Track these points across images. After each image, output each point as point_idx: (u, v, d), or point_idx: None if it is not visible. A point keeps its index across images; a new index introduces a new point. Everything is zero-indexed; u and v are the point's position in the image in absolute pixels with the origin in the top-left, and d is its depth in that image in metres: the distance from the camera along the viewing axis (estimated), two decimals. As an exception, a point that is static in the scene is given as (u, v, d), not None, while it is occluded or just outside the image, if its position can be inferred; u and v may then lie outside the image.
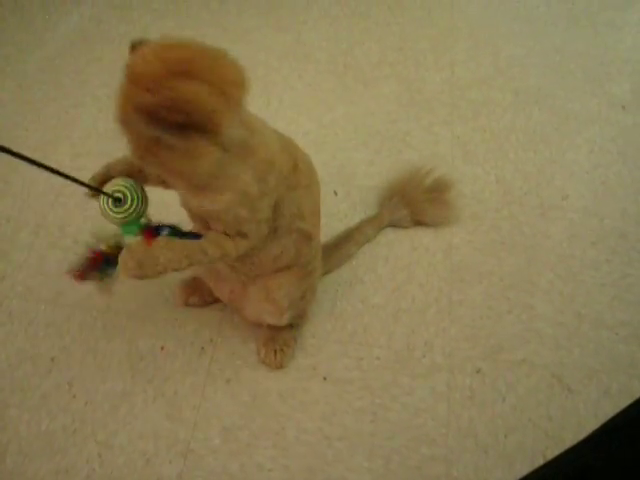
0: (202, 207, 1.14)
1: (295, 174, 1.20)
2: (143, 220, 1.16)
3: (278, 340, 1.54)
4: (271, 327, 1.52)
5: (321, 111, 2.12)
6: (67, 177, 1.02)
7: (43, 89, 2.21)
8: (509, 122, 2.10)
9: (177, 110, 0.88)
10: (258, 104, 2.12)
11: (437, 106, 2.14)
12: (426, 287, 1.68)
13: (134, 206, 1.12)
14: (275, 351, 1.53)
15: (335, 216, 1.81)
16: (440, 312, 1.63)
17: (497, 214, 1.83)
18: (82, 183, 1.08)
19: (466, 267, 1.72)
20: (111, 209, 1.12)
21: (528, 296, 1.67)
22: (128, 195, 1.12)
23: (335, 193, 1.87)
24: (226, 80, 0.95)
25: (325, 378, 1.52)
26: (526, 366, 1.55)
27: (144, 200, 1.15)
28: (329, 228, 1.76)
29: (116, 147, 1.06)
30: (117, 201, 1.12)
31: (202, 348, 1.57)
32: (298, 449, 1.42)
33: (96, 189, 1.12)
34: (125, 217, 1.12)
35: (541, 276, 1.71)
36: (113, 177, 1.19)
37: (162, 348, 1.57)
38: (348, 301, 1.64)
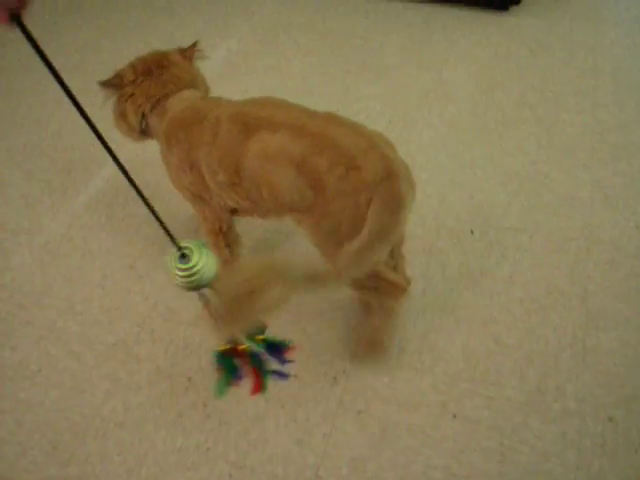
0: None
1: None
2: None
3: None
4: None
5: (460, 150, 2.16)
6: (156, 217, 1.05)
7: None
8: (650, 167, 2.07)
9: None
10: (399, 141, 2.17)
11: (577, 149, 2.14)
12: (560, 331, 1.68)
13: (199, 266, 1.07)
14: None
15: (471, 255, 1.84)
16: (574, 357, 1.62)
17: (636, 261, 1.81)
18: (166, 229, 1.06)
19: (602, 313, 1.71)
20: (175, 264, 1.07)
21: (666, 346, 1.64)
22: (195, 252, 1.08)
23: (472, 232, 1.89)
24: None
25: (455, 416, 1.55)
26: (661, 417, 1.51)
27: (210, 263, 1.09)
28: (464, 267, 1.81)
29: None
30: (183, 257, 1.07)
31: (334, 378, 1.63)
32: (426, 484, 1.43)
33: (170, 236, 1.08)
34: (187, 275, 1.07)
35: (680, 327, 1.68)
36: None
37: (295, 376, 1.63)
38: (481, 340, 1.67)
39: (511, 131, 2.23)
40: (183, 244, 1.08)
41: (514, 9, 2.80)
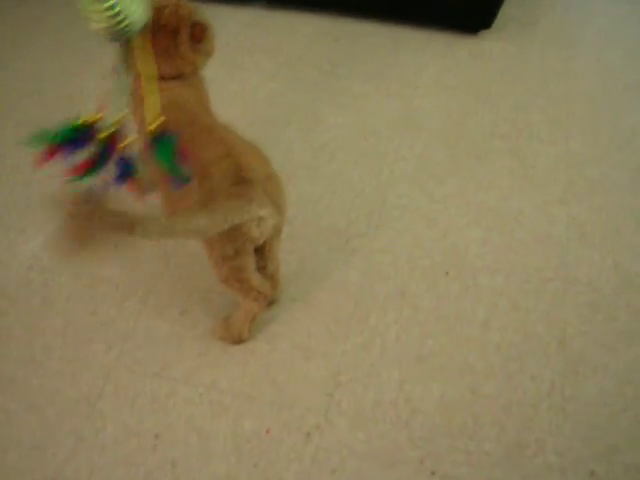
0: None
1: None
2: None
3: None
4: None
5: (432, 185, 2.11)
6: None
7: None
8: (627, 202, 2.05)
9: None
10: (369, 174, 2.13)
11: (552, 183, 2.11)
12: (538, 379, 1.64)
13: (119, 6, 0.91)
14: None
15: (446, 298, 1.80)
16: (553, 407, 1.59)
17: (614, 303, 1.78)
18: None
19: (580, 359, 1.67)
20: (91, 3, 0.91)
21: (646, 393, 1.61)
22: None
23: (446, 273, 1.85)
24: None
25: (433, 473, 1.50)
26: (644, 471, 1.47)
27: (134, 4, 0.94)
28: (439, 311, 1.78)
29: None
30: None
31: (308, 434, 1.57)
32: None
33: None
34: (108, 16, 0.91)
35: (661, 372, 1.65)
36: None
37: (267, 431, 1.57)
38: (458, 390, 1.62)
39: (484, 164, 2.19)
40: None
41: (484, 33, 2.77)
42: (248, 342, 1.70)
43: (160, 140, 1.20)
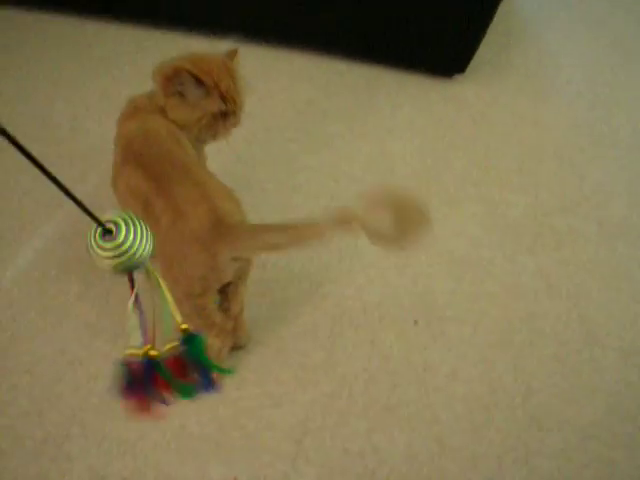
0: None
1: None
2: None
3: None
4: None
5: (404, 231, 2.12)
6: (63, 190, 0.78)
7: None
8: (593, 255, 2.09)
9: None
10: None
11: (521, 232, 2.14)
12: (503, 432, 1.66)
13: (129, 242, 0.86)
14: None
15: (415, 347, 1.81)
16: (517, 462, 1.61)
17: (578, 356, 1.81)
18: (75, 200, 0.81)
19: (545, 413, 1.70)
20: (97, 242, 0.86)
21: (608, 449, 1.65)
22: (122, 226, 0.87)
23: (415, 322, 1.87)
24: None
25: (400, 527, 1.50)
26: (605, 530, 1.49)
27: (144, 239, 0.88)
28: (408, 360, 1.80)
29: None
30: (108, 233, 0.86)
31: (276, 483, 1.55)
32: None
33: (86, 210, 0.84)
34: (115, 256, 0.86)
35: (622, 427, 1.68)
36: None
37: (234, 479, 1.57)
38: (425, 441, 1.64)
39: (455, 211, 2.22)
40: (106, 217, 0.86)
41: (458, 77, 2.81)
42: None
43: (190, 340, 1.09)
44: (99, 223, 0.85)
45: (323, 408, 1.69)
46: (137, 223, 0.87)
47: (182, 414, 1.66)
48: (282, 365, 1.77)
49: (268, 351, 1.79)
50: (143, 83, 1.60)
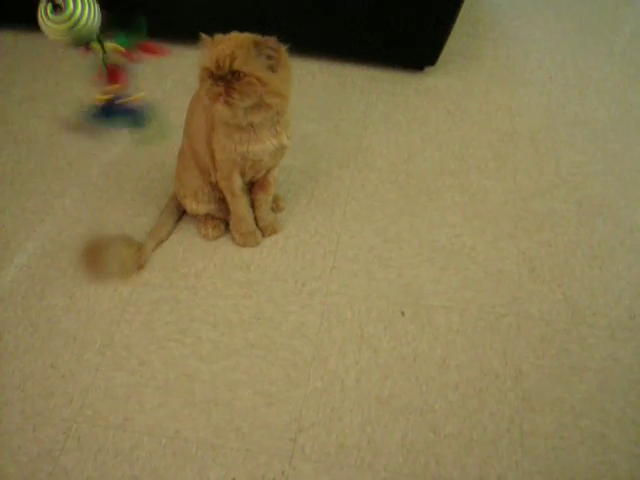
0: None
1: None
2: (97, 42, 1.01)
3: None
4: None
5: (385, 224, 2.14)
6: None
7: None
8: (573, 235, 2.10)
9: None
10: (322, 215, 2.16)
11: (501, 218, 2.15)
12: (497, 416, 1.67)
13: (78, 13, 0.93)
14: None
15: (403, 338, 1.82)
16: (512, 443, 1.62)
17: (566, 336, 1.82)
18: None
19: (536, 394, 1.71)
20: (48, 17, 0.94)
21: (601, 425, 1.66)
22: (70, 1, 0.93)
23: (402, 313, 1.87)
24: None
25: (398, 516, 1.50)
26: (602, 505, 1.50)
27: (92, 10, 0.95)
28: (397, 351, 1.80)
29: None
30: (57, 8, 0.93)
31: (274, 481, 1.56)
32: None
33: None
34: (68, 27, 0.94)
35: (613, 403, 1.69)
36: None
37: (234, 479, 1.57)
38: (420, 431, 1.64)
39: (435, 201, 2.23)
40: None
41: (430, 69, 2.82)
42: (210, 391, 1.72)
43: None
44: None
45: (316, 404, 1.70)
46: None
47: (176, 420, 1.66)
48: (272, 364, 1.77)
49: (257, 352, 1.80)
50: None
